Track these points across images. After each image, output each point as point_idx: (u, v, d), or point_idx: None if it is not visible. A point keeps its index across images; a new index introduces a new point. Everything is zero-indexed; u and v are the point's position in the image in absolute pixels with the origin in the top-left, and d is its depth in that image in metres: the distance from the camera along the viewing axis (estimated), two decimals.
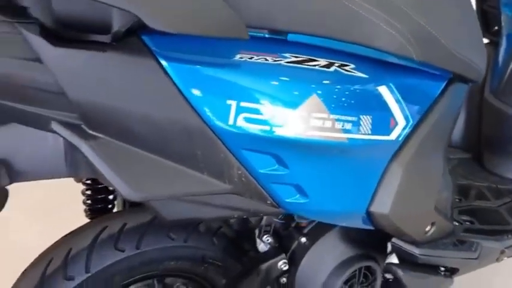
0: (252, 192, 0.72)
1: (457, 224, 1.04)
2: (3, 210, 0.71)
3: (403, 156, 0.79)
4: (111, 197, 1.04)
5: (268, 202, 0.74)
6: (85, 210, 1.03)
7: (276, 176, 0.71)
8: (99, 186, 1.00)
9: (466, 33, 0.85)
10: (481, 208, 1.16)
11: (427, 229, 0.89)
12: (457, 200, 1.18)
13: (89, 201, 1.01)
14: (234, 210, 0.76)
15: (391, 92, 0.75)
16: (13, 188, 0.71)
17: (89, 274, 0.85)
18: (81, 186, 1.00)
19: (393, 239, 0.89)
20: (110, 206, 1.03)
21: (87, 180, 0.99)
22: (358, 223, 0.83)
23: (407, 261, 0.89)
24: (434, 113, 0.82)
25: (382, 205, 0.79)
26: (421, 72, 0.79)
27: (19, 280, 0.87)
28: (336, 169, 0.74)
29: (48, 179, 0.72)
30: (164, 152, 0.67)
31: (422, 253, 0.89)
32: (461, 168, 1.37)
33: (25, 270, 0.88)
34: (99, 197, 1.01)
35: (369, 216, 0.81)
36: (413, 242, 0.89)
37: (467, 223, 1.08)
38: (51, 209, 1.68)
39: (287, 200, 0.73)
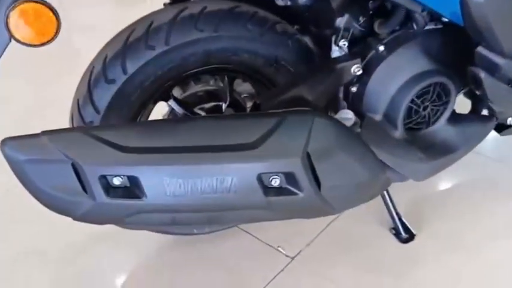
0: None
1: None
2: None
3: None
4: None
5: None
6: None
7: None
8: None
9: None
10: None
11: None
12: None
13: None
14: None
15: None
16: None
17: (169, 47, 0.88)
18: None
19: (479, 47, 0.85)
20: None
21: None
22: (450, 11, 0.79)
23: (490, 71, 0.86)
24: None
25: None
26: None
27: (105, 46, 0.91)
28: None
29: None
30: None
31: (507, 64, 0.85)
32: None
33: (110, 39, 0.92)
34: None
35: (463, 5, 0.77)
36: (500, 53, 0.84)
37: None
38: None
39: None
